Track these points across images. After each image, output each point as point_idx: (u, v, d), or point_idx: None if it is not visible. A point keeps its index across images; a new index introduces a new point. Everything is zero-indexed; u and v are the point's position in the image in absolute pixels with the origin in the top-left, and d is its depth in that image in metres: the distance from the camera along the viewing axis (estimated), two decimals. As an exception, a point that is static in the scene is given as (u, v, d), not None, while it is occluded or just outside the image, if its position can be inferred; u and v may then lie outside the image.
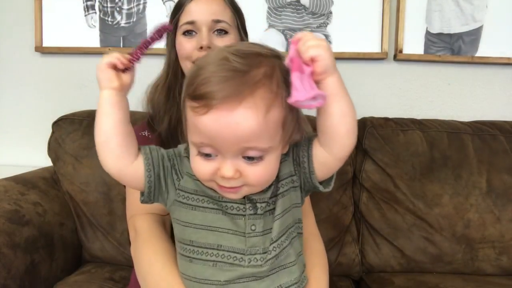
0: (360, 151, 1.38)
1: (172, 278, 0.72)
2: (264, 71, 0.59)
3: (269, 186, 0.66)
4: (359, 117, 1.44)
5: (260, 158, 0.60)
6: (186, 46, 0.95)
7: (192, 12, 0.94)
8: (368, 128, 1.37)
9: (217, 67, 0.58)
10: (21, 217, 1.13)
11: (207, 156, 0.61)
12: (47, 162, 1.43)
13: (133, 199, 0.93)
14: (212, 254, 0.65)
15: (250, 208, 0.65)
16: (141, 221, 0.85)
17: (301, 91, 0.55)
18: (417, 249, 1.31)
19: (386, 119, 1.41)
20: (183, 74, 0.98)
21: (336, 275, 1.31)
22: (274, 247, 0.66)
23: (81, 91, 1.66)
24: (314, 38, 0.58)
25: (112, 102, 0.64)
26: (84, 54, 1.65)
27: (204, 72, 0.59)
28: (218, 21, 0.94)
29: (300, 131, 0.67)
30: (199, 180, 0.65)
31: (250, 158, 0.60)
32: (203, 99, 0.57)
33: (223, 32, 0.95)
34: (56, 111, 1.44)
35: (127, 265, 1.27)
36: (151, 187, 0.66)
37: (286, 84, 0.60)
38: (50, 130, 1.40)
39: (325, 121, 0.62)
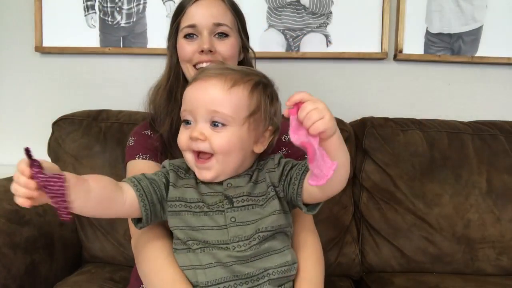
0: (360, 151, 1.38)
1: (173, 269, 0.76)
2: (252, 78, 0.77)
3: (245, 186, 0.76)
4: (359, 117, 1.46)
5: (223, 126, 0.73)
6: (187, 49, 0.96)
7: (193, 16, 0.95)
8: (368, 128, 1.37)
9: (214, 65, 0.80)
10: (21, 217, 1.13)
11: (187, 123, 0.76)
12: (47, 162, 1.42)
13: None
14: (199, 244, 0.73)
15: (227, 203, 0.74)
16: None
17: (321, 177, 0.61)
18: (417, 249, 1.31)
19: (386, 119, 1.41)
20: (184, 77, 0.99)
21: (336, 275, 1.31)
22: (258, 236, 0.73)
23: (81, 91, 1.66)
24: (313, 107, 0.62)
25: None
26: (84, 54, 1.65)
27: (200, 71, 0.78)
28: (219, 24, 0.95)
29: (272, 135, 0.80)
30: (181, 188, 0.76)
31: (216, 125, 0.73)
32: (193, 79, 0.78)
33: (224, 35, 0.96)
34: (56, 111, 1.44)
35: (127, 265, 1.27)
36: (147, 215, 0.74)
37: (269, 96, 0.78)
38: (50, 130, 1.40)
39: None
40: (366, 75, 1.60)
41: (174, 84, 0.99)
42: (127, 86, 1.63)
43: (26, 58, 1.68)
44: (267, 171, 0.78)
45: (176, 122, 0.93)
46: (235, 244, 0.73)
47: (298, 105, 0.62)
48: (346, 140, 1.36)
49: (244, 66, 0.81)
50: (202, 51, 0.94)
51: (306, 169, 0.74)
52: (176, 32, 0.99)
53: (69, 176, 0.66)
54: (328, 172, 0.61)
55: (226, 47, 0.96)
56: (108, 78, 1.66)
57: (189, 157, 0.77)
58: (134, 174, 0.77)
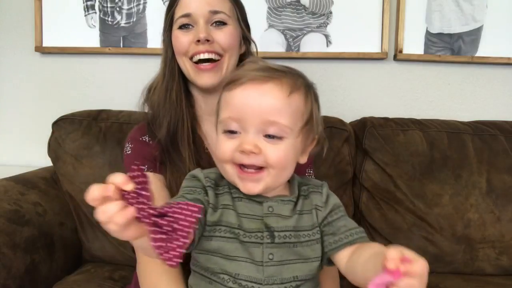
0: (360, 151, 1.38)
1: None
2: (300, 80, 0.69)
3: (291, 216, 0.67)
4: (359, 117, 1.46)
5: (279, 139, 0.64)
6: (182, 40, 0.90)
7: (188, 4, 0.89)
8: (368, 128, 1.37)
9: (256, 64, 0.69)
10: (21, 217, 1.13)
11: (231, 133, 0.66)
12: (47, 162, 1.43)
13: None
14: (229, 281, 0.65)
15: (268, 237, 0.65)
16: None
17: None
18: (417, 249, 1.28)
19: (386, 119, 1.41)
20: (180, 73, 0.94)
21: (336, 275, 1.31)
22: (296, 283, 0.65)
23: (81, 91, 1.66)
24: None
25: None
26: (84, 54, 1.65)
27: (241, 70, 0.68)
28: (215, 12, 0.89)
29: (318, 144, 0.72)
30: (219, 210, 0.66)
31: (270, 137, 0.64)
32: (236, 79, 0.66)
33: (221, 23, 0.90)
34: (56, 111, 1.44)
35: (127, 265, 1.27)
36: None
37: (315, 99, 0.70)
38: (50, 130, 1.40)
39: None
40: (366, 75, 1.60)
41: (169, 81, 0.93)
42: (127, 86, 1.63)
43: (26, 58, 1.68)
44: (316, 207, 0.70)
45: (173, 125, 0.89)
46: (269, 287, 0.64)
47: (403, 273, 0.48)
48: (346, 140, 1.36)
49: (280, 64, 0.70)
50: (199, 40, 0.87)
51: (356, 240, 0.66)
52: (171, 24, 0.93)
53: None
54: None
55: (225, 36, 0.90)
56: (108, 78, 1.66)
57: (230, 170, 0.66)
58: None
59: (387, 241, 1.32)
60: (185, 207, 0.48)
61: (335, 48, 1.56)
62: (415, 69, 1.58)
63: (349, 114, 1.50)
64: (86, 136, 1.35)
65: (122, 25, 1.62)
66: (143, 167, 0.49)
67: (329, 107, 1.58)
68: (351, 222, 0.69)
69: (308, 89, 0.70)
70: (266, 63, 0.71)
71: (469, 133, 1.37)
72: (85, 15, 1.62)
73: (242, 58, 0.97)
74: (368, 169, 1.35)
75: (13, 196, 1.18)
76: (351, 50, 1.56)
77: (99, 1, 1.61)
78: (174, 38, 0.92)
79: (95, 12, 1.62)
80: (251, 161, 0.64)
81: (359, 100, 1.60)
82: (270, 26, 1.57)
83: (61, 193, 1.36)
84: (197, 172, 0.71)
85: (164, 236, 0.46)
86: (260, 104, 0.64)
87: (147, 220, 0.47)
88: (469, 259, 1.31)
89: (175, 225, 0.47)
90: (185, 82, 0.96)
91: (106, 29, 1.62)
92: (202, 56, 0.89)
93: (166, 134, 0.89)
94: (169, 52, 0.94)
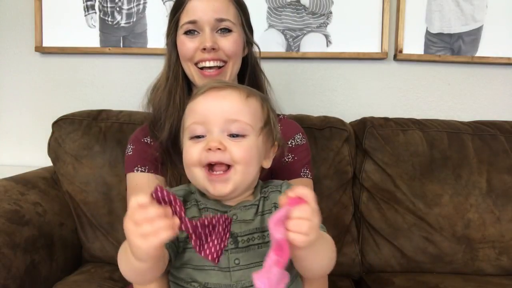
0: (360, 151, 1.38)
1: None
2: (257, 93, 0.74)
3: (253, 219, 0.68)
4: (359, 117, 1.46)
5: (242, 137, 0.68)
6: (188, 46, 0.90)
7: (194, 11, 0.90)
8: (368, 128, 1.37)
9: (217, 80, 0.77)
10: (21, 217, 1.13)
11: (197, 138, 0.68)
12: (47, 162, 1.43)
13: None
14: (200, 286, 0.66)
15: (231, 242, 0.66)
16: None
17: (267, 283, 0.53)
18: (417, 249, 1.31)
19: (386, 119, 1.41)
20: (184, 76, 0.95)
21: (336, 275, 1.31)
22: None
23: (81, 91, 1.66)
24: (310, 218, 0.53)
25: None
26: (84, 54, 1.65)
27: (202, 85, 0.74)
28: (221, 20, 0.89)
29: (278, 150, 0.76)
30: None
31: (234, 136, 0.67)
32: (197, 91, 0.72)
33: (227, 30, 0.91)
34: (56, 111, 1.44)
35: (127, 265, 1.27)
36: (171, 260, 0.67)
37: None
38: (50, 130, 1.40)
39: (303, 271, 0.66)
40: (366, 75, 1.60)
41: (173, 84, 0.93)
42: (127, 86, 1.63)
43: (26, 58, 1.68)
44: (275, 205, 0.70)
45: (176, 128, 0.88)
46: None
47: (297, 200, 0.54)
48: (346, 140, 1.36)
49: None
50: (204, 49, 0.88)
51: None
52: (176, 28, 0.93)
53: None
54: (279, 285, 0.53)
55: (229, 44, 0.90)
56: (108, 78, 1.66)
57: (199, 174, 0.68)
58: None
59: (387, 241, 1.32)
60: (220, 218, 0.56)
61: (335, 48, 1.56)
62: (415, 69, 1.58)
63: (349, 114, 1.50)
64: (86, 136, 1.35)
65: (122, 25, 1.62)
66: (163, 189, 0.53)
67: (329, 107, 1.58)
68: None
69: (263, 99, 0.75)
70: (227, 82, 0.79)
71: (469, 133, 1.37)
72: (85, 15, 1.62)
73: (244, 61, 0.98)
74: (368, 169, 1.35)
75: (13, 196, 1.18)
76: (351, 50, 1.56)
77: (99, 1, 1.61)
78: (179, 43, 0.92)
79: (95, 12, 1.62)
80: (218, 158, 0.66)
81: (359, 100, 1.60)
82: (270, 26, 1.57)
83: (61, 193, 1.36)
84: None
85: (203, 241, 0.55)
86: (222, 105, 0.69)
87: (189, 231, 0.54)
88: (469, 259, 1.31)
89: (212, 232, 0.55)
90: (188, 84, 0.97)
91: (106, 29, 1.62)
92: (207, 64, 0.90)
93: (168, 136, 0.89)
94: (173, 56, 0.95)
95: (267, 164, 0.74)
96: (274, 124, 0.75)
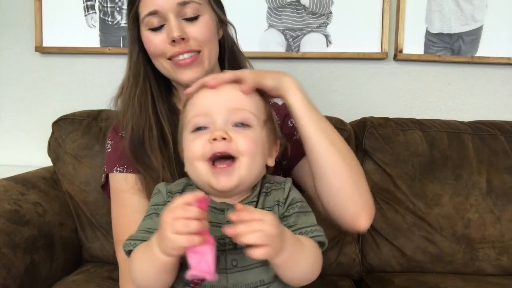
0: (360, 151, 1.38)
1: None
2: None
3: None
4: (359, 117, 1.46)
5: (248, 127, 0.65)
6: (155, 42, 0.82)
7: (152, 0, 0.80)
8: (368, 128, 1.37)
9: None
10: (21, 217, 1.13)
11: (200, 130, 0.65)
12: (47, 162, 1.42)
13: (121, 220, 0.89)
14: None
15: (230, 243, 0.62)
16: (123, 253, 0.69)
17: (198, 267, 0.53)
18: (417, 249, 1.31)
19: (386, 119, 1.41)
20: (145, 76, 0.88)
21: (336, 275, 1.31)
22: (262, 285, 0.63)
23: (81, 91, 1.66)
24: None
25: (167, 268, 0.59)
26: (84, 54, 1.65)
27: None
28: (184, 3, 0.80)
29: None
30: None
31: (238, 126, 0.65)
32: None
33: (194, 15, 0.81)
34: (56, 111, 1.44)
35: (127, 265, 1.27)
36: None
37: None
38: (50, 130, 1.40)
39: (286, 279, 0.63)
40: (366, 75, 1.60)
41: (132, 86, 0.87)
42: (127, 86, 1.63)
43: (26, 58, 1.68)
44: (277, 203, 0.67)
45: (137, 134, 0.84)
46: None
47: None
48: (346, 140, 1.35)
49: None
50: (174, 41, 0.80)
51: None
52: (137, 23, 0.84)
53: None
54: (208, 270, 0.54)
55: (200, 30, 0.82)
56: (108, 78, 1.65)
57: (202, 168, 0.64)
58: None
59: (387, 241, 1.32)
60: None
61: (335, 48, 1.56)
62: (415, 69, 1.59)
63: (349, 114, 1.50)
64: (86, 136, 1.35)
65: (122, 25, 1.61)
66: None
67: (329, 107, 1.58)
68: (304, 220, 0.67)
69: (264, 98, 0.73)
70: None
71: (469, 133, 1.37)
72: (85, 15, 1.62)
73: (221, 44, 0.91)
74: (368, 169, 1.35)
75: (13, 196, 1.18)
76: (351, 50, 1.56)
77: (99, 1, 1.61)
78: (145, 40, 0.84)
79: (95, 12, 1.62)
80: (223, 148, 0.62)
81: (359, 100, 1.60)
82: (270, 26, 1.57)
83: (61, 193, 1.36)
84: (161, 186, 0.70)
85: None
86: (225, 95, 0.67)
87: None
88: (469, 259, 1.31)
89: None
90: (158, 83, 0.91)
91: (106, 29, 1.62)
92: (181, 57, 0.82)
93: (130, 143, 0.84)
94: (133, 54, 0.87)
95: (271, 163, 0.71)
96: (275, 122, 0.73)
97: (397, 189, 1.33)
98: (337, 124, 1.37)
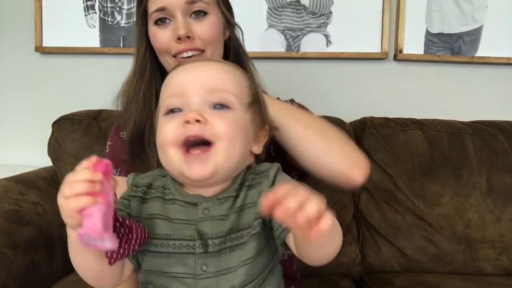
0: (360, 151, 1.38)
1: None
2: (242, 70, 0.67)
3: (228, 215, 0.57)
4: (359, 117, 1.46)
5: (227, 108, 0.58)
6: (161, 37, 0.82)
7: None
8: (368, 128, 1.37)
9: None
10: (21, 217, 1.13)
11: (173, 112, 0.59)
12: (47, 162, 1.42)
13: None
14: None
15: (200, 246, 0.56)
16: None
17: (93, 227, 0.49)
18: (417, 249, 1.31)
19: (386, 119, 1.41)
20: (151, 71, 0.88)
21: (336, 275, 1.31)
22: None
23: (81, 91, 1.66)
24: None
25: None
26: (84, 54, 1.65)
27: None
28: (192, 2, 0.80)
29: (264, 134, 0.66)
30: (147, 220, 0.59)
31: (216, 107, 0.58)
32: (176, 67, 0.65)
33: (201, 13, 0.81)
34: (56, 111, 1.44)
35: (127, 265, 1.27)
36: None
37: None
38: (50, 130, 1.40)
39: (313, 259, 0.56)
40: (366, 75, 1.60)
41: (138, 80, 0.86)
42: (127, 86, 1.63)
43: (26, 58, 1.68)
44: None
45: (138, 126, 0.83)
46: None
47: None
48: (346, 140, 1.36)
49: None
50: (179, 38, 0.80)
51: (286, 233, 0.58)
52: (145, 18, 0.85)
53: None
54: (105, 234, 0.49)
55: (206, 28, 0.81)
56: (108, 78, 1.64)
57: (174, 155, 0.57)
58: None
59: (387, 241, 1.32)
60: (138, 229, 0.53)
61: (335, 48, 1.56)
62: (415, 69, 1.59)
63: (349, 114, 1.49)
64: (86, 136, 1.35)
65: (122, 25, 1.62)
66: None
67: (329, 107, 1.57)
68: None
69: (250, 78, 0.67)
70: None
71: (469, 133, 1.37)
72: (85, 15, 1.62)
73: (227, 45, 0.90)
74: (368, 169, 1.35)
75: (13, 196, 1.18)
76: (351, 50, 1.56)
77: (99, 1, 1.61)
78: (151, 36, 0.84)
79: (95, 12, 1.62)
80: (197, 131, 0.55)
81: (359, 100, 1.60)
82: (270, 26, 1.57)
83: (61, 193, 1.35)
84: (129, 178, 0.64)
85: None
86: (203, 74, 0.60)
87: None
88: (469, 259, 1.31)
89: (125, 234, 0.52)
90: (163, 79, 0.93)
91: (106, 29, 1.62)
92: (185, 55, 0.82)
93: (130, 137, 0.83)
94: (141, 49, 0.87)
95: (258, 150, 0.63)
96: (263, 105, 0.66)
97: (397, 189, 1.33)
98: (337, 124, 1.37)
